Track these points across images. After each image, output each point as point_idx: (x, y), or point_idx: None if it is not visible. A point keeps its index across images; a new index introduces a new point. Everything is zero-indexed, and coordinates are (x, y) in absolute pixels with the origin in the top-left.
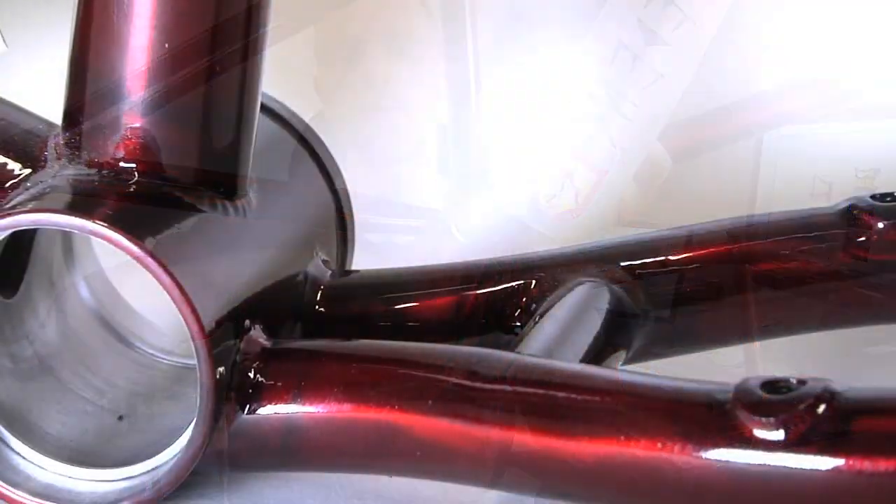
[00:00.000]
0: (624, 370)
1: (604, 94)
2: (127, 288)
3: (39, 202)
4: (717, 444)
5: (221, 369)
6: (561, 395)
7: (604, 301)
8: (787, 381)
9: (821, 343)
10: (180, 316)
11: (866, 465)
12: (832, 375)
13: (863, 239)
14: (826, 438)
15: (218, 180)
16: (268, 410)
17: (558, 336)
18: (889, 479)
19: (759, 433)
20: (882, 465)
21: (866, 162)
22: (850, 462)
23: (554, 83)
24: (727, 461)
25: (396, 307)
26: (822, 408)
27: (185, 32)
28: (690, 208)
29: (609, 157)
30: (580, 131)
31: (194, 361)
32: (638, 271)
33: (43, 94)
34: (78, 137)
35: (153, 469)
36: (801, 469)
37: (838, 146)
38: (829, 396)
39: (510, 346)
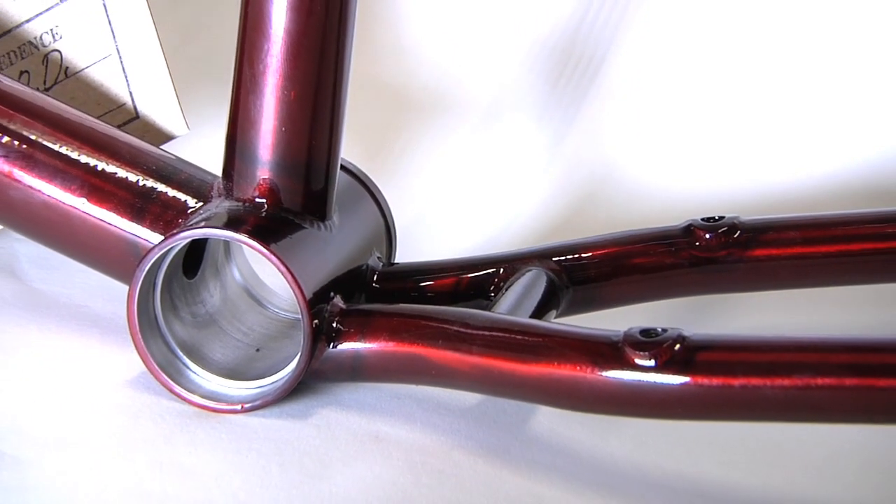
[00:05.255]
0: (555, 322)
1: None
2: (262, 272)
3: (208, 222)
4: (612, 368)
5: (316, 321)
6: (518, 337)
7: (543, 281)
8: (655, 329)
9: (675, 307)
10: (291, 289)
11: (704, 381)
12: (682, 325)
13: (697, 244)
14: (680, 365)
15: (315, 209)
16: (344, 346)
17: (516, 302)
18: (719, 390)
19: (639, 361)
20: (715, 381)
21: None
22: (695, 379)
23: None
24: (619, 378)
25: (421, 284)
26: (677, 346)
27: (295, 121)
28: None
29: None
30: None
31: (300, 316)
32: (563, 263)
33: (211, 157)
34: (231, 184)
35: (276, 381)
36: (665, 384)
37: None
38: (681, 339)
39: (488, 308)
